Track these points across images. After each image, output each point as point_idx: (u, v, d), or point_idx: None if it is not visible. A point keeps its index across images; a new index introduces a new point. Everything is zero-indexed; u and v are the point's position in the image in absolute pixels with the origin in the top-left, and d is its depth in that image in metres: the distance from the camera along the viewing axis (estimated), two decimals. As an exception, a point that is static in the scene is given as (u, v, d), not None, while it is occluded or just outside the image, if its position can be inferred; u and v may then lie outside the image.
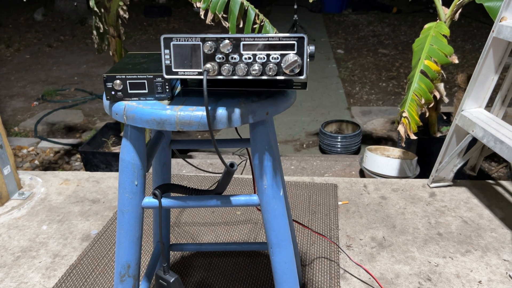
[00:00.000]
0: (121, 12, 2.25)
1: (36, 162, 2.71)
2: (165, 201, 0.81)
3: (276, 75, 0.69)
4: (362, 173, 2.21)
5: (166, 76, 0.71)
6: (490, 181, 1.83)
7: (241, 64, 0.69)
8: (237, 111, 0.72)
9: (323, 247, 1.46)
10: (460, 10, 2.01)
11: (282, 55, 0.69)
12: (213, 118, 0.72)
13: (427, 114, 1.86)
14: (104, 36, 2.33)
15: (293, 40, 0.68)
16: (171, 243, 1.28)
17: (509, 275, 1.33)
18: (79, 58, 4.96)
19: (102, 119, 3.39)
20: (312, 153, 2.82)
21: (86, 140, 2.90)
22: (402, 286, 1.30)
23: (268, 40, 0.68)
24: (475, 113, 1.62)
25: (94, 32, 2.34)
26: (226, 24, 1.94)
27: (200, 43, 0.69)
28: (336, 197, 1.76)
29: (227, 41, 0.68)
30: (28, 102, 3.72)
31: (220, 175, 1.96)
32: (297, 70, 0.68)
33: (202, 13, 1.93)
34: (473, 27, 6.07)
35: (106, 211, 1.70)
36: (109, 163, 2.18)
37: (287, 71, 0.68)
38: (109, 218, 1.66)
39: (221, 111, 0.72)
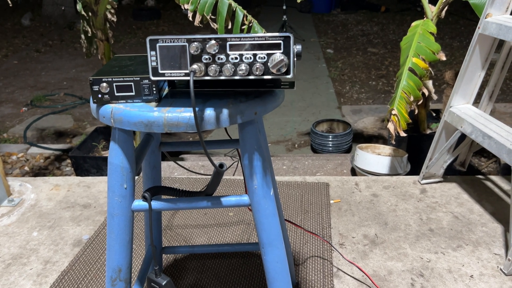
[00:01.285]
0: (109, 16, 2.23)
1: (26, 168, 2.68)
2: (155, 204, 0.81)
3: (263, 74, 0.69)
4: (354, 172, 2.22)
5: (152, 78, 0.71)
6: (480, 176, 1.85)
7: (228, 64, 0.69)
8: (225, 112, 0.72)
9: (316, 246, 1.46)
10: (446, 8, 2.03)
11: (269, 55, 0.69)
12: (201, 119, 0.72)
13: (416, 111, 1.87)
14: (93, 40, 2.31)
15: (279, 40, 0.68)
16: (163, 246, 1.28)
17: (500, 269, 1.34)
18: (68, 63, 4.92)
19: (93, 123, 3.37)
20: (304, 153, 2.83)
21: (76, 145, 2.88)
22: (395, 283, 1.31)
23: (254, 40, 0.68)
24: (463, 109, 1.64)
25: (82, 36, 2.33)
26: (214, 25, 1.94)
27: (186, 44, 0.69)
28: (328, 196, 1.76)
29: (213, 41, 0.68)
30: (17, 108, 3.68)
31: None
32: (284, 70, 0.69)
33: (190, 15, 1.92)
34: (460, 24, 6.14)
35: (97, 216, 1.69)
36: (100, 167, 2.16)
37: (274, 71, 0.68)
38: (101, 222, 1.65)
39: (209, 112, 0.72)
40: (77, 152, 2.22)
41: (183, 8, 1.93)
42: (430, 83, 2.08)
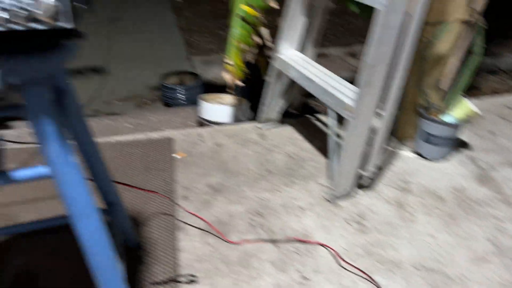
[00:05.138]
0: None
1: None
2: None
3: (28, 22, 0.59)
4: (202, 124, 2.24)
5: None
6: (310, 117, 2.03)
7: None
8: (-5, 72, 0.62)
9: (159, 204, 1.45)
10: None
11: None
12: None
13: (255, 60, 1.93)
14: None
15: (45, -15, 0.59)
16: (-24, 231, 1.12)
17: (323, 196, 1.51)
18: None
19: None
20: (157, 108, 2.74)
21: None
22: (236, 226, 1.38)
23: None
24: (290, 55, 1.74)
25: None
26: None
27: None
28: (172, 151, 1.75)
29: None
30: None
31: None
32: (60, 18, 0.60)
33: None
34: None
35: None
36: None
37: (44, 19, 0.59)
38: None
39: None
40: None
41: None
42: (264, 30, 2.15)
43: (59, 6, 0.59)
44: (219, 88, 3.12)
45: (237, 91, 2.01)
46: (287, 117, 2.04)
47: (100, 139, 1.56)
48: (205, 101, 2.09)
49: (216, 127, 1.96)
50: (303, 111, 2.09)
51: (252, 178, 1.60)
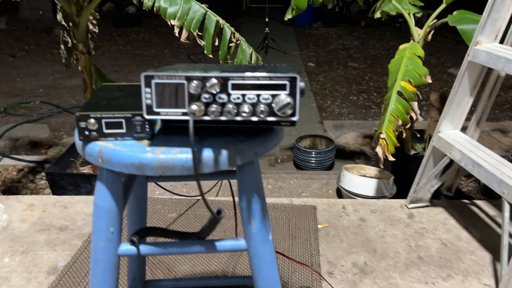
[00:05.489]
0: (91, 27, 2.16)
1: (-3, 181, 2.55)
2: (144, 248, 0.75)
3: (267, 116, 0.65)
4: (340, 192, 2.20)
5: (146, 117, 0.65)
6: (466, 201, 1.85)
7: (230, 105, 0.64)
8: (224, 153, 0.67)
9: (305, 276, 1.42)
10: (433, 31, 2.04)
11: (274, 96, 0.64)
12: (198, 161, 0.66)
13: (404, 134, 1.87)
14: (72, 50, 2.22)
15: (285, 80, 0.64)
16: (146, 279, 1.21)
17: (490, 301, 1.33)
18: (44, 69, 4.76)
19: (69, 133, 3.25)
20: (287, 169, 2.79)
21: (53, 157, 2.76)
22: (386, 315, 1.27)
23: (258, 80, 0.64)
24: (452, 135, 1.64)
25: (62, 46, 2.24)
26: (201, 42, 1.89)
27: (185, 82, 0.64)
28: (316, 220, 1.72)
29: (214, 80, 0.63)
30: (-11, 116, 3.52)
31: (197, 197, 1.89)
32: (289, 112, 0.64)
33: (176, 30, 1.87)
34: (437, 41, 6.26)
35: (74, 240, 1.60)
36: (77, 185, 2.07)
37: (279, 113, 0.64)
38: (78, 247, 1.56)
39: (207, 153, 0.67)
40: (54, 168, 2.11)
41: (169, 23, 1.87)
42: (415, 105, 2.08)
43: (291, 103, 0.63)
44: (351, 154, 3.09)
45: (386, 165, 1.94)
46: (436, 198, 1.90)
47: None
48: (348, 171, 2.06)
49: (359, 199, 1.90)
50: (456, 193, 1.92)
51: (402, 264, 1.49)
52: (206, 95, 0.64)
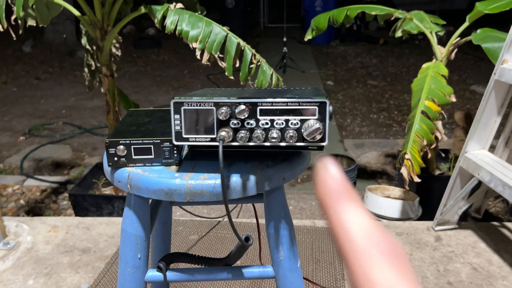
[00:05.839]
0: (114, 50, 2.20)
1: (22, 201, 2.59)
2: (171, 275, 0.74)
3: (296, 141, 0.64)
4: (362, 213, 2.16)
5: (175, 143, 0.65)
6: (495, 223, 1.79)
7: (258, 131, 0.63)
8: (252, 179, 0.67)
9: (330, 301, 1.38)
10: (456, 50, 2.01)
11: (302, 121, 0.64)
12: (227, 187, 0.66)
13: (429, 154, 1.83)
14: (96, 73, 2.28)
15: (314, 105, 0.63)
16: (170, 303, 1.19)
17: (527, 330, 1.26)
18: (67, 91, 4.88)
19: (91, 154, 3.30)
20: (307, 189, 2.76)
21: (75, 178, 2.80)
22: None
23: (287, 105, 0.63)
24: (479, 155, 1.59)
25: (86, 69, 2.29)
26: (222, 64, 1.91)
27: (214, 108, 0.64)
28: (339, 242, 1.69)
29: (243, 106, 0.63)
30: (14, 137, 3.61)
31: (218, 219, 1.88)
32: (318, 137, 0.63)
33: (198, 53, 1.89)
34: (458, 58, 6.20)
35: (97, 262, 1.60)
36: (100, 206, 2.08)
37: (308, 138, 0.63)
38: (101, 269, 1.56)
39: (235, 179, 0.66)
40: (76, 190, 2.14)
41: (191, 46, 1.90)
42: (439, 124, 2.05)
43: (321, 129, 0.62)
44: (373, 174, 3.04)
45: (410, 186, 1.90)
46: (464, 220, 1.84)
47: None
48: (372, 192, 2.02)
49: (384, 221, 1.86)
50: (484, 214, 1.86)
51: (430, 289, 1.44)
52: (235, 121, 0.64)
